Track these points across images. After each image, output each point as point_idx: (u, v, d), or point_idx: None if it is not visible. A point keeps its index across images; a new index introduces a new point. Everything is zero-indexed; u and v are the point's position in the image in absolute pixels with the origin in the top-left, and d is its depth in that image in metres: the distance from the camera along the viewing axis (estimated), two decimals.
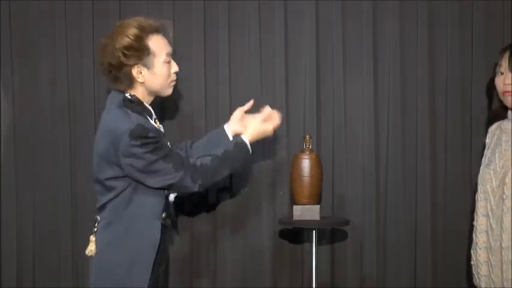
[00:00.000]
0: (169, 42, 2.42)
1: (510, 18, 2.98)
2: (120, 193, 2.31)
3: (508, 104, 2.46)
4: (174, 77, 2.44)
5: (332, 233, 3.03)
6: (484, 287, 2.48)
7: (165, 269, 2.52)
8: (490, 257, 2.45)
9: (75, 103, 2.97)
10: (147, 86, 2.38)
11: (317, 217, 2.73)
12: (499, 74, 2.48)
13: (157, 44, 2.36)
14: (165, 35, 2.42)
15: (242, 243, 3.00)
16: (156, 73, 2.37)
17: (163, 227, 2.37)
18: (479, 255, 2.49)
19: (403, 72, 3.01)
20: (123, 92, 2.36)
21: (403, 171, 3.02)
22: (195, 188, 2.35)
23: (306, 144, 2.76)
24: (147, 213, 2.33)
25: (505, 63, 2.46)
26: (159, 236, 2.33)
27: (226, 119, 2.96)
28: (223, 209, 3.00)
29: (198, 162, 2.36)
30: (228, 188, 2.99)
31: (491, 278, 2.45)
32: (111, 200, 2.33)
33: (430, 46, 2.99)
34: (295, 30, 3.02)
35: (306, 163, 2.71)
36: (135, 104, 2.34)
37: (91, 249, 2.34)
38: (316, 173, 2.72)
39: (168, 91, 2.45)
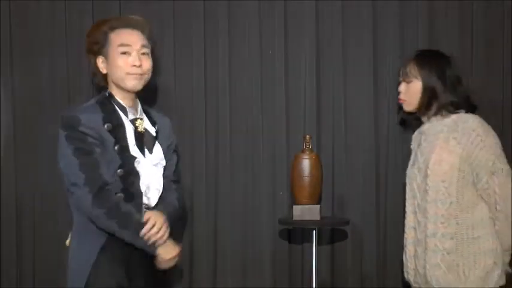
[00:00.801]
0: (144, 38, 2.40)
1: (510, 18, 2.98)
2: (68, 189, 2.31)
3: (406, 110, 2.60)
4: (132, 70, 2.35)
5: (332, 233, 3.04)
6: (413, 279, 2.58)
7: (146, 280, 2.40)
8: (417, 249, 2.54)
9: (75, 103, 2.96)
10: (110, 78, 2.39)
11: (317, 217, 2.73)
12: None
13: (117, 36, 2.37)
14: (143, 31, 2.41)
15: (242, 243, 3.00)
16: (111, 64, 2.36)
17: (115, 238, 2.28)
18: (409, 250, 2.59)
19: None
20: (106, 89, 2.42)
21: (403, 171, 3.01)
22: (93, 213, 2.23)
23: (306, 144, 2.76)
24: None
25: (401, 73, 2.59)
26: (104, 241, 2.27)
27: (226, 118, 2.98)
28: (223, 209, 3.00)
29: (121, 203, 2.24)
30: (228, 187, 3.00)
31: (417, 270, 2.54)
32: (67, 194, 2.33)
33: (430, 46, 2.98)
34: (295, 30, 3.02)
35: (306, 163, 2.70)
36: (108, 101, 2.36)
37: (66, 242, 2.40)
38: (316, 173, 2.72)
39: (128, 84, 2.36)
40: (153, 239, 2.27)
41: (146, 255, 2.31)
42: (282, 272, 3.01)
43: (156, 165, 2.41)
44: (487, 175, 2.41)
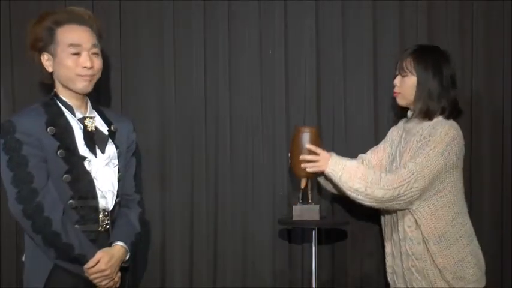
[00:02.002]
0: (94, 35, 2.30)
1: (510, 18, 2.98)
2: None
3: (399, 104, 2.62)
4: (83, 71, 2.25)
5: (332, 233, 3.03)
6: (390, 277, 2.66)
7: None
8: (393, 248, 2.60)
9: None
10: (56, 77, 2.29)
11: (317, 217, 2.73)
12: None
13: (65, 34, 2.25)
14: (92, 27, 2.31)
15: (242, 243, 3.00)
16: (59, 63, 2.25)
17: (59, 270, 2.19)
18: (386, 248, 2.66)
19: None
20: (52, 86, 2.33)
21: None
22: (30, 235, 2.17)
23: None
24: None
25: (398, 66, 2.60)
26: (45, 277, 2.18)
27: (226, 118, 2.97)
28: (223, 208, 3.00)
29: (62, 234, 2.14)
30: (228, 187, 3.00)
31: (394, 268, 2.61)
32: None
33: None
34: (295, 30, 3.02)
35: (306, 136, 2.62)
36: (53, 102, 2.28)
37: (23, 258, 2.31)
38: (317, 145, 2.63)
39: (78, 85, 2.26)
40: (92, 277, 2.20)
41: None
42: (282, 272, 3.01)
43: (107, 164, 2.31)
44: (403, 166, 2.48)
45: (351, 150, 3.01)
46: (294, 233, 3.02)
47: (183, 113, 3.00)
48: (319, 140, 2.66)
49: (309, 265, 2.84)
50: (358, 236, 3.02)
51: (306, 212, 2.71)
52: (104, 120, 2.38)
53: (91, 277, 2.21)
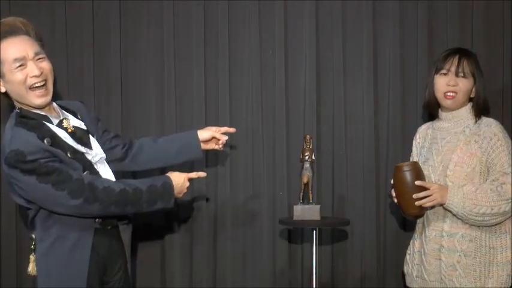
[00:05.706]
0: (34, 42, 2.21)
1: (510, 18, 2.98)
2: (39, 209, 2.17)
3: (446, 105, 2.54)
4: (33, 80, 2.17)
5: (332, 233, 3.04)
6: (416, 274, 2.59)
7: (124, 271, 2.36)
8: (425, 246, 2.54)
9: None
10: (12, 95, 2.21)
11: (317, 217, 2.73)
12: (442, 74, 2.54)
13: (4, 51, 2.16)
14: (29, 34, 2.21)
15: (242, 243, 3.01)
16: (9, 81, 2.17)
17: (101, 232, 2.23)
18: (415, 245, 2.61)
19: (403, 72, 3.01)
20: (13, 105, 2.24)
21: None
22: (105, 212, 2.17)
23: (306, 144, 2.76)
24: (73, 223, 2.17)
25: (453, 67, 2.51)
26: (91, 242, 2.19)
27: (226, 118, 2.98)
28: (223, 208, 3.00)
29: (106, 184, 2.16)
30: (228, 187, 3.00)
31: (423, 266, 2.54)
32: (34, 216, 2.19)
33: (429, 46, 3.00)
34: (295, 30, 3.02)
35: (408, 173, 2.48)
36: (27, 118, 2.17)
37: (30, 269, 2.24)
38: (421, 179, 2.50)
39: (35, 102, 2.19)
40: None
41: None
42: (282, 272, 3.01)
43: (99, 161, 2.30)
44: (500, 175, 2.41)
45: (350, 151, 3.02)
46: (294, 233, 3.02)
47: (183, 112, 3.00)
48: (422, 173, 2.51)
49: (309, 265, 2.84)
50: (358, 236, 3.02)
51: (307, 211, 2.72)
52: (72, 114, 2.33)
53: (187, 186, 2.37)
